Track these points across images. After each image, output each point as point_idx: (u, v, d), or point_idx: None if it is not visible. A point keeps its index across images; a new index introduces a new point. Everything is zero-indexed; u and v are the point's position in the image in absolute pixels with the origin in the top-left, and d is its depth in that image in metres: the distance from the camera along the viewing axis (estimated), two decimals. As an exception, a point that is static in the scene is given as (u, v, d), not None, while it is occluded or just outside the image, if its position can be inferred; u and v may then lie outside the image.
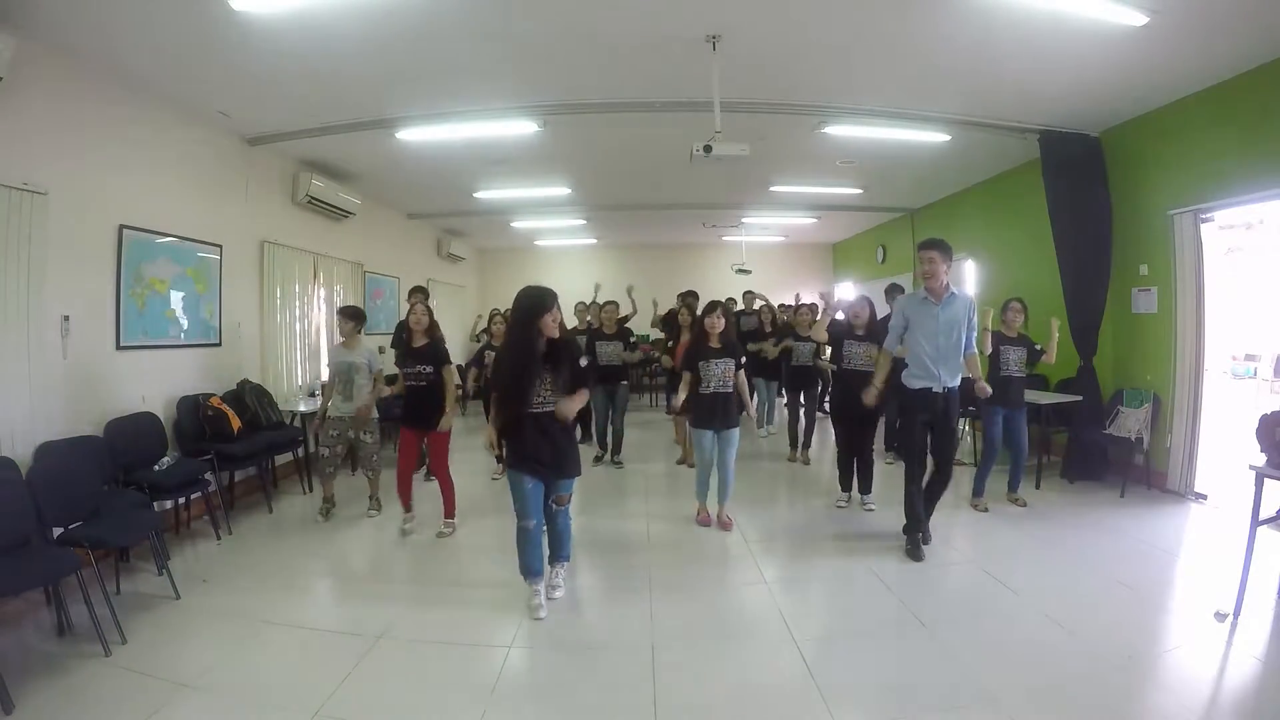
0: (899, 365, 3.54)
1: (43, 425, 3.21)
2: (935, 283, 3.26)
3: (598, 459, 5.57)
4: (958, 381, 3.33)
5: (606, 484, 5.02)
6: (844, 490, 4.27)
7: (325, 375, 4.18)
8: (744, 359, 3.85)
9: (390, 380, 4.66)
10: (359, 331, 4.17)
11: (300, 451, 4.94)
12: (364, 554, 3.69)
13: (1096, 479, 4.66)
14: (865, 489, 4.21)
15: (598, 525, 4.03)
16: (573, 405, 2.76)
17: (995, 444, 4.17)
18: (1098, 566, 3.20)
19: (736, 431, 3.84)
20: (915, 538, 3.37)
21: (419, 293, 5.32)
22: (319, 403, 4.42)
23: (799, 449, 5.58)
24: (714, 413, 3.77)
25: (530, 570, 2.82)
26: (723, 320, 3.80)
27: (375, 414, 4.21)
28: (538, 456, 2.74)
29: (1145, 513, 4.02)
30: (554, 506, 2.90)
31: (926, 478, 3.45)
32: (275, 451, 4.63)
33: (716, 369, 3.75)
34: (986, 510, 4.08)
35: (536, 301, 2.73)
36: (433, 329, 3.97)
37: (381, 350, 7.13)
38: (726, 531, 3.83)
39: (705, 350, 3.80)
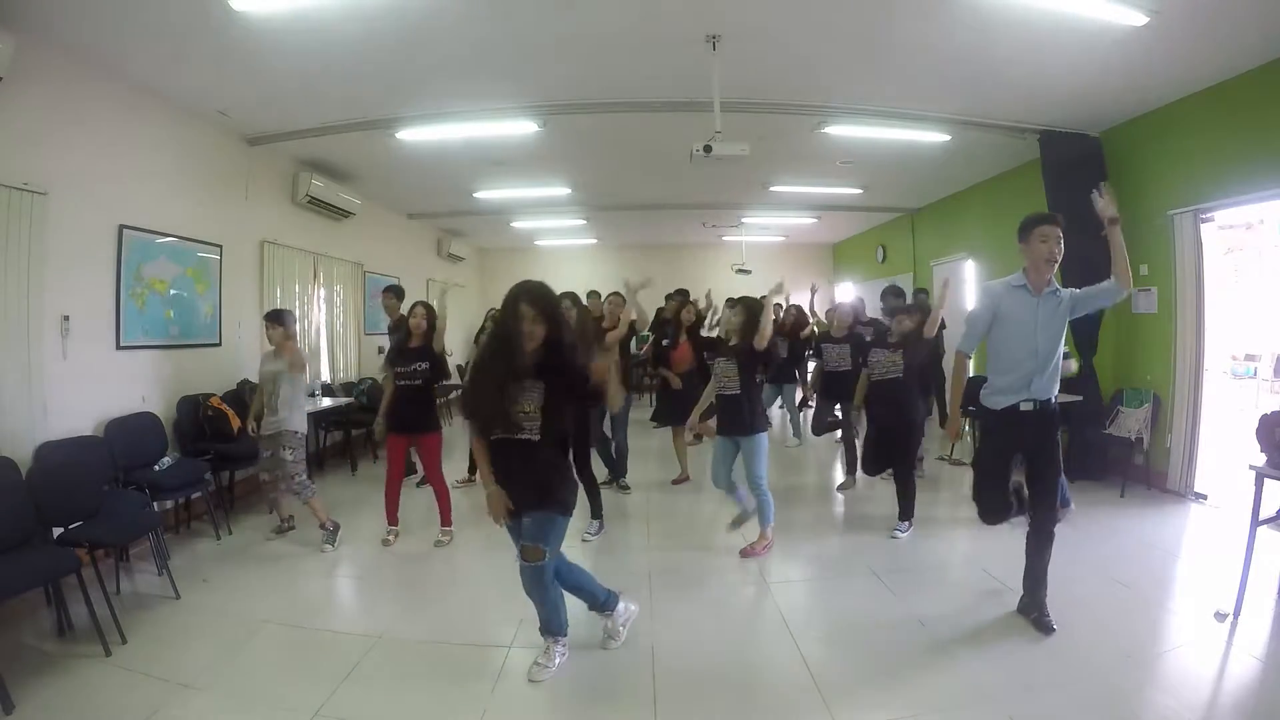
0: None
1: (43, 425, 3.21)
2: (1052, 267, 2.55)
3: (603, 484, 4.45)
4: (1055, 393, 2.59)
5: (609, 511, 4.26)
6: (849, 474, 3.86)
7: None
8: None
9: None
10: (290, 337, 3.84)
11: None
12: (364, 556, 3.68)
13: (1096, 479, 4.65)
14: (907, 513, 3.72)
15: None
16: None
17: None
18: (1098, 566, 3.20)
19: (756, 439, 3.36)
20: (1039, 597, 2.64)
21: (391, 294, 5.16)
22: (316, 403, 4.25)
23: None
24: (720, 416, 3.45)
25: (545, 627, 2.40)
26: (741, 317, 3.41)
27: (299, 430, 3.77)
28: (509, 483, 2.19)
29: (1145, 513, 4.02)
30: (520, 562, 2.25)
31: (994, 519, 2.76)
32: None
33: (720, 368, 3.43)
34: None
35: (511, 298, 2.13)
36: (429, 334, 3.75)
37: (381, 350, 7.17)
38: (754, 556, 3.42)
39: (720, 348, 3.53)
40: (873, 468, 3.97)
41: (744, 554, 3.41)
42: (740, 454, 3.41)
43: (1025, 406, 2.56)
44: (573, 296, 3.82)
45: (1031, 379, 2.54)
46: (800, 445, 6.32)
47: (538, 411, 2.13)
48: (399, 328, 4.41)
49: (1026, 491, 2.69)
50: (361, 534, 3.90)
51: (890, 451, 3.82)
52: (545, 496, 2.19)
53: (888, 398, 3.76)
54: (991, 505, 2.71)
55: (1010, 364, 2.58)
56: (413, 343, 3.76)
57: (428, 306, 3.84)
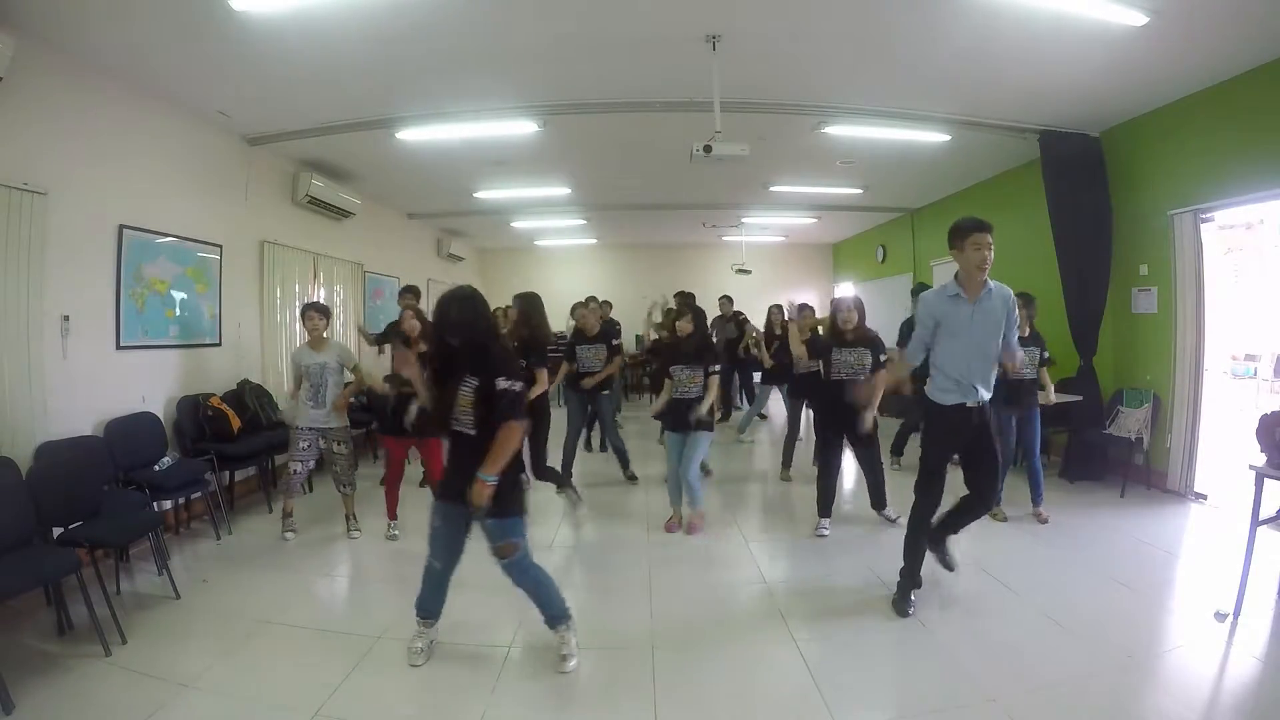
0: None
1: (43, 425, 3.21)
2: (985, 274, 2.66)
3: (561, 485, 4.21)
4: (990, 394, 2.75)
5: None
6: (822, 515, 3.82)
7: (287, 380, 3.84)
8: (716, 367, 3.80)
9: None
10: (329, 330, 3.95)
11: (269, 463, 4.69)
12: (363, 555, 3.68)
13: (1096, 479, 4.66)
14: (880, 503, 3.93)
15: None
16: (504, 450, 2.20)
17: (1010, 452, 3.97)
18: (1098, 566, 3.20)
19: (700, 435, 3.74)
20: (908, 586, 2.81)
21: (410, 293, 4.97)
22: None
23: (790, 468, 5.12)
24: (676, 416, 3.79)
25: (422, 607, 2.50)
26: (690, 324, 3.79)
27: (347, 421, 3.95)
28: (453, 482, 2.29)
29: (1145, 513, 4.02)
30: (500, 562, 2.36)
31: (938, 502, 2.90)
32: (275, 451, 4.59)
33: (683, 375, 3.75)
34: (1005, 520, 3.87)
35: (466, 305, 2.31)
36: (427, 334, 3.75)
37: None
38: (692, 535, 3.78)
39: (678, 356, 3.81)
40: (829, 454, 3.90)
41: (690, 530, 3.82)
42: (685, 446, 3.77)
43: (970, 404, 2.70)
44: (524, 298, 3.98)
45: (975, 384, 2.68)
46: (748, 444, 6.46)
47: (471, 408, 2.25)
48: (394, 331, 4.27)
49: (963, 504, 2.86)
50: (362, 533, 3.90)
51: (830, 443, 3.86)
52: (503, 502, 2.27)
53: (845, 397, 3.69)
54: (931, 501, 2.80)
55: (955, 370, 2.70)
56: (414, 349, 3.69)
57: (418, 310, 3.85)
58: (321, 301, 4.32)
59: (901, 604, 2.79)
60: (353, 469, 3.96)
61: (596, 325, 4.83)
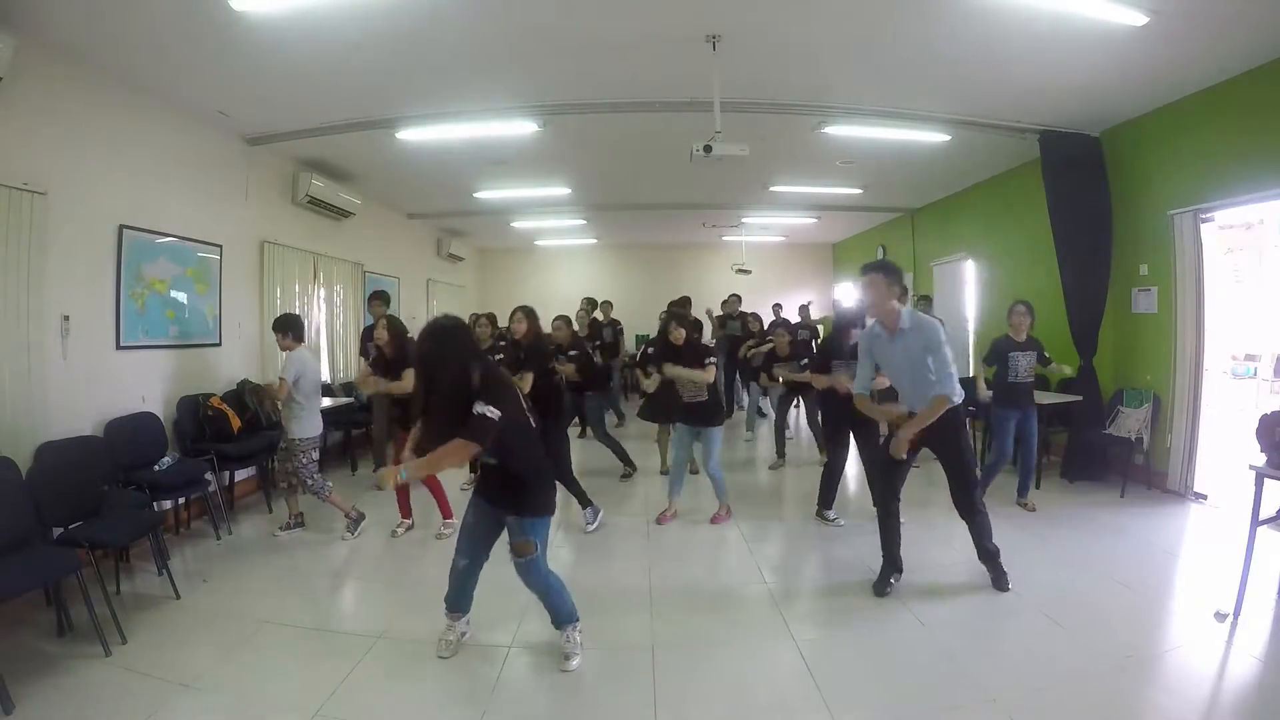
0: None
1: (43, 425, 3.21)
2: (877, 311, 2.89)
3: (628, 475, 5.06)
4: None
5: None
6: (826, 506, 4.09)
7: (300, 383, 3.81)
8: (713, 359, 3.98)
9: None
10: (301, 340, 3.90)
11: (269, 463, 4.59)
12: (364, 555, 3.68)
13: (1096, 479, 4.66)
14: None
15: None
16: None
17: (1005, 453, 4.08)
18: (1098, 566, 3.20)
19: (714, 430, 3.92)
20: (886, 574, 3.02)
21: (379, 300, 5.21)
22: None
23: (783, 456, 5.63)
24: (675, 409, 3.99)
25: (450, 602, 2.52)
26: (682, 330, 3.98)
27: (304, 436, 3.80)
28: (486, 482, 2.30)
29: (1145, 513, 4.02)
30: (512, 558, 2.33)
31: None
32: (275, 452, 4.56)
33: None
34: (1034, 510, 4.07)
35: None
36: (399, 338, 3.89)
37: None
38: (721, 524, 3.96)
39: (674, 358, 3.95)
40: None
41: (717, 519, 3.99)
42: (700, 440, 3.97)
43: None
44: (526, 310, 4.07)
45: (909, 400, 2.93)
46: (793, 438, 6.53)
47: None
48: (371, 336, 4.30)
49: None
50: (362, 534, 3.90)
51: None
52: (519, 502, 2.29)
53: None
54: (879, 480, 3.18)
55: (900, 392, 3.01)
56: (390, 353, 3.88)
57: (391, 319, 4.03)
58: (292, 313, 4.37)
59: (880, 585, 2.99)
60: (313, 479, 3.81)
61: (569, 336, 4.86)
